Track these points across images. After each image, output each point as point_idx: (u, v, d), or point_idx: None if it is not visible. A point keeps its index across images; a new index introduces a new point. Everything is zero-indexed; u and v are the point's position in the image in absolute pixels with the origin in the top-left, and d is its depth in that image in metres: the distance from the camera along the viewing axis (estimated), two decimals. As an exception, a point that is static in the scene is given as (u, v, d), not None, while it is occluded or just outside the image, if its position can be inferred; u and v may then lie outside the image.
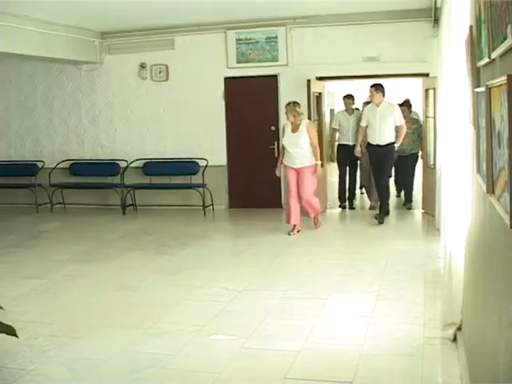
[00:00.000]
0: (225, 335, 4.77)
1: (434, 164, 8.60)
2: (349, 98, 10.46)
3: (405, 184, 10.41)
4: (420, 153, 9.96)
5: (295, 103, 8.36)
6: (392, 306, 5.33)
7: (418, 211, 9.87)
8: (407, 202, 10.25)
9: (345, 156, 10.30)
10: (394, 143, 8.98)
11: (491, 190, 2.59)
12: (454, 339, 4.36)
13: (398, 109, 9.09)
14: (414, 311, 5.15)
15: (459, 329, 4.35)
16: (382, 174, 9.11)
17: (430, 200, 9.03)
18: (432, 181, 8.67)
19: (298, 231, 8.44)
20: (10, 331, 3.64)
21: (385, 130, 8.91)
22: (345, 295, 5.70)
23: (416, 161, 10.12)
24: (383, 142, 8.90)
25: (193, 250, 7.69)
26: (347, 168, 10.44)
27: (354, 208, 10.45)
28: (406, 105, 10.13)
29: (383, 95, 9.03)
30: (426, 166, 9.63)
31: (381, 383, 3.89)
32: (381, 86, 9.07)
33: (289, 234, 8.32)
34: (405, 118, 9.22)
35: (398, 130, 8.98)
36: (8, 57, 10.06)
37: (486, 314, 2.87)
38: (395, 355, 4.27)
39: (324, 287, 5.90)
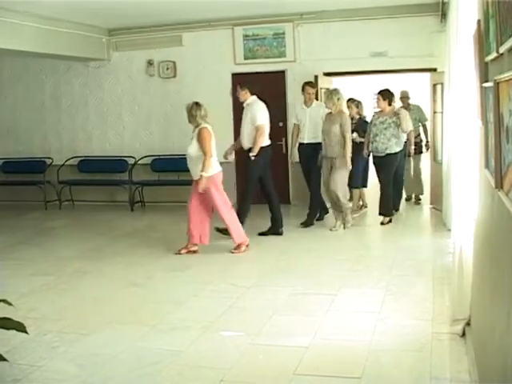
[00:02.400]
0: (233, 331, 4.78)
1: (442, 159, 8.57)
2: (310, 85, 8.95)
3: (381, 191, 8.85)
4: (411, 151, 9.13)
5: (197, 104, 7.34)
6: (400, 301, 5.33)
7: (426, 206, 9.84)
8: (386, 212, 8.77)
9: (301, 157, 9.04)
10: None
11: (500, 185, 2.58)
12: (463, 334, 4.35)
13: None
14: (422, 306, 5.14)
15: (468, 324, 4.34)
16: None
17: (438, 195, 9.00)
18: (439, 176, 8.65)
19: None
20: (20, 328, 3.65)
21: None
22: (353, 291, 5.70)
23: (392, 163, 8.63)
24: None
25: (200, 247, 7.68)
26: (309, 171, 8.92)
27: (321, 219, 9.00)
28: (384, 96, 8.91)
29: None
30: (433, 161, 9.62)
31: (389, 379, 3.89)
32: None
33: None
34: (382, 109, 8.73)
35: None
36: (15, 54, 10.11)
37: (494, 309, 2.87)
38: (403, 351, 4.27)
39: (332, 283, 5.90)
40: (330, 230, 8.33)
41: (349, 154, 8.11)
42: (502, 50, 2.46)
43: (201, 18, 10.16)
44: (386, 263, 6.61)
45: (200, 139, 7.03)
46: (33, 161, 11.49)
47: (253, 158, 7.86)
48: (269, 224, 8.23)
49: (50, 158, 11.42)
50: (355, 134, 9.00)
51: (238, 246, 7.35)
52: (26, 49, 9.16)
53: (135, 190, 10.80)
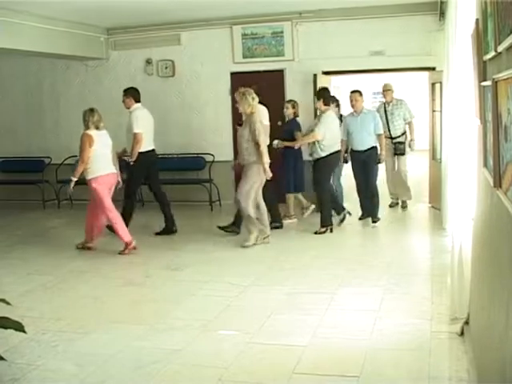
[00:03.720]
0: (231, 330, 4.78)
1: (441, 158, 8.57)
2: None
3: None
4: (381, 157, 8.77)
5: (91, 110, 7.58)
6: (399, 300, 5.33)
7: (424, 205, 9.84)
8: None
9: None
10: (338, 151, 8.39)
11: (498, 183, 2.58)
12: (462, 334, 4.35)
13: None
14: (420, 306, 5.14)
15: (466, 323, 4.34)
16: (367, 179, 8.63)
17: (436, 194, 9.00)
18: (438, 175, 8.65)
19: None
20: (19, 327, 3.65)
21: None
22: (352, 290, 5.70)
23: (319, 167, 8.25)
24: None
25: (199, 246, 7.69)
26: None
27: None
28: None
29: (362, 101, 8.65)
30: (432, 160, 9.62)
31: (388, 378, 3.88)
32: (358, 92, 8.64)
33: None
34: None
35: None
36: (13, 53, 10.09)
37: (493, 308, 2.87)
38: (402, 350, 4.27)
39: (331, 282, 5.90)
40: (242, 246, 7.54)
41: (265, 160, 7.35)
42: (500, 48, 2.46)
43: (199, 16, 10.16)
44: (385, 262, 6.62)
45: (80, 143, 7.35)
46: (31, 160, 11.48)
47: (132, 163, 8.26)
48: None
49: (48, 157, 11.40)
50: (276, 141, 8.60)
51: (126, 246, 7.42)
52: (24, 48, 9.16)
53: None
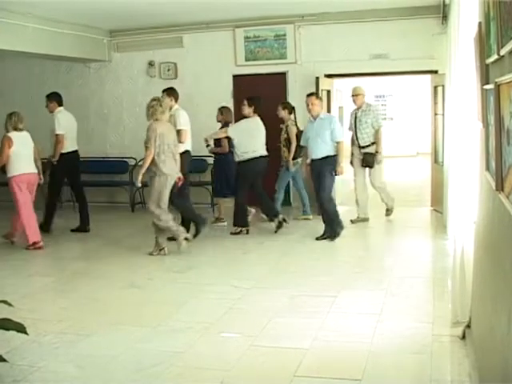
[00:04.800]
0: (233, 333, 4.78)
1: (443, 161, 8.57)
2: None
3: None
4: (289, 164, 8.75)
5: (11, 114, 7.81)
6: (401, 303, 5.33)
7: (426, 209, 9.84)
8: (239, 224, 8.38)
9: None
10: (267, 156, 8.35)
11: (500, 187, 2.58)
12: (463, 337, 4.35)
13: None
14: (422, 309, 5.14)
15: (468, 327, 4.33)
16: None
17: (438, 197, 9.00)
18: (440, 178, 8.65)
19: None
20: (20, 328, 3.66)
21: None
22: (353, 293, 5.69)
23: (236, 172, 8.35)
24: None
25: (201, 248, 7.69)
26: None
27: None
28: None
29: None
30: (435, 163, 9.62)
31: (389, 381, 3.88)
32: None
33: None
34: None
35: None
36: (16, 55, 10.11)
37: (494, 311, 2.86)
38: (404, 353, 4.26)
39: (332, 285, 5.89)
40: (150, 253, 7.39)
41: (142, 170, 7.23)
42: (502, 52, 2.46)
43: (202, 19, 10.17)
44: (387, 265, 6.62)
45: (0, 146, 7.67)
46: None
47: (55, 163, 8.65)
48: None
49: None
50: (209, 147, 8.83)
51: (33, 244, 7.78)
52: (27, 50, 9.20)
53: (136, 190, 10.78)
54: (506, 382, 2.37)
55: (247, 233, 8.34)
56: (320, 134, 7.81)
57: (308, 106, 7.94)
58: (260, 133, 8.35)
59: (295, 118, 9.19)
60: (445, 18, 8.75)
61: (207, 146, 8.76)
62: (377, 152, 8.91)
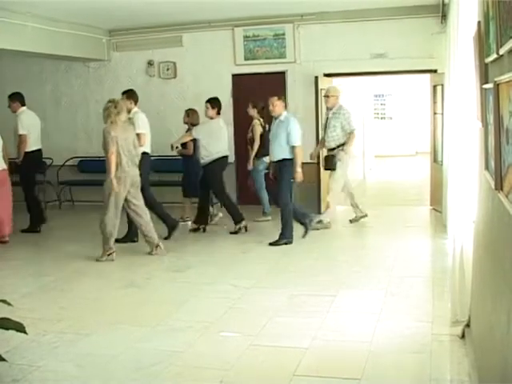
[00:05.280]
0: (233, 332, 4.78)
1: (442, 160, 8.58)
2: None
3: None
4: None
5: None
6: (400, 302, 5.33)
7: (425, 208, 9.84)
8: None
9: None
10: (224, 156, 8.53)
11: (499, 186, 2.58)
12: (463, 336, 4.35)
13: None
14: (422, 308, 5.15)
15: (468, 326, 4.34)
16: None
17: (438, 197, 9.01)
18: (440, 177, 8.65)
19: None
20: (20, 328, 3.66)
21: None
22: (353, 292, 5.70)
23: (210, 174, 8.44)
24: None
25: (201, 247, 7.69)
26: None
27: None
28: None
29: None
30: (434, 163, 9.62)
31: (389, 380, 3.88)
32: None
33: None
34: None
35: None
36: (15, 54, 10.10)
37: (494, 311, 2.87)
38: (403, 352, 4.27)
39: (332, 284, 5.90)
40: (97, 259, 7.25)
41: (111, 175, 7.10)
42: (502, 51, 2.46)
43: (201, 18, 10.17)
44: (386, 264, 6.61)
45: None
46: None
47: (19, 163, 8.82)
48: (277, 221, 8.23)
49: (49, 158, 11.38)
50: (178, 149, 9.04)
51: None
52: (26, 49, 9.19)
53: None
54: (506, 381, 2.37)
55: (246, 230, 8.36)
56: (278, 136, 7.66)
57: (269, 107, 7.79)
58: (224, 134, 8.49)
59: (263, 117, 9.08)
60: (444, 17, 8.75)
61: (175, 148, 8.92)
62: (341, 149, 8.55)
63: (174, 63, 10.86)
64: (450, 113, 7.32)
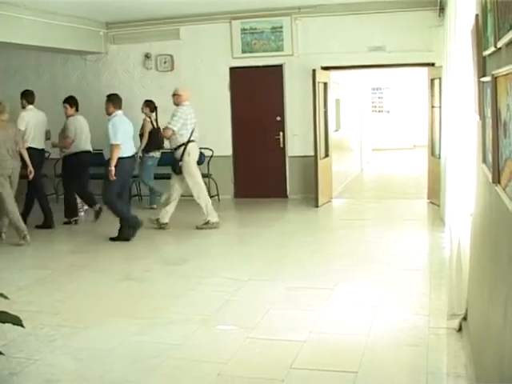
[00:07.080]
0: (230, 325, 4.78)
1: (440, 154, 8.58)
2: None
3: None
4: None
5: None
6: (397, 296, 5.34)
7: (423, 201, 9.84)
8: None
9: None
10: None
11: (497, 179, 2.58)
12: (459, 329, 4.36)
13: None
14: (419, 301, 5.15)
15: (464, 319, 4.35)
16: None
17: (435, 190, 9.01)
18: (437, 171, 8.65)
19: None
20: (17, 321, 3.65)
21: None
22: (350, 285, 5.70)
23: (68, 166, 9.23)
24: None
25: (198, 240, 7.69)
26: None
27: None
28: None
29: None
30: (431, 156, 9.62)
31: (386, 373, 3.89)
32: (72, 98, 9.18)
33: None
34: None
35: None
36: (11, 47, 10.06)
37: (491, 304, 2.87)
38: (400, 345, 4.27)
39: (329, 277, 5.90)
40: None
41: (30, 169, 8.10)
42: (499, 44, 2.46)
43: (199, 11, 10.14)
44: (384, 257, 6.62)
45: None
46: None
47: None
48: (274, 214, 8.28)
49: (47, 151, 11.36)
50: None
51: None
52: (23, 42, 9.14)
53: (132, 183, 10.76)
54: (502, 374, 2.37)
55: (76, 223, 8.90)
56: (108, 134, 7.75)
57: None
58: (86, 129, 9.23)
59: (156, 116, 9.83)
60: (442, 10, 8.73)
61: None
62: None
63: (172, 56, 10.83)
64: (447, 106, 7.31)
